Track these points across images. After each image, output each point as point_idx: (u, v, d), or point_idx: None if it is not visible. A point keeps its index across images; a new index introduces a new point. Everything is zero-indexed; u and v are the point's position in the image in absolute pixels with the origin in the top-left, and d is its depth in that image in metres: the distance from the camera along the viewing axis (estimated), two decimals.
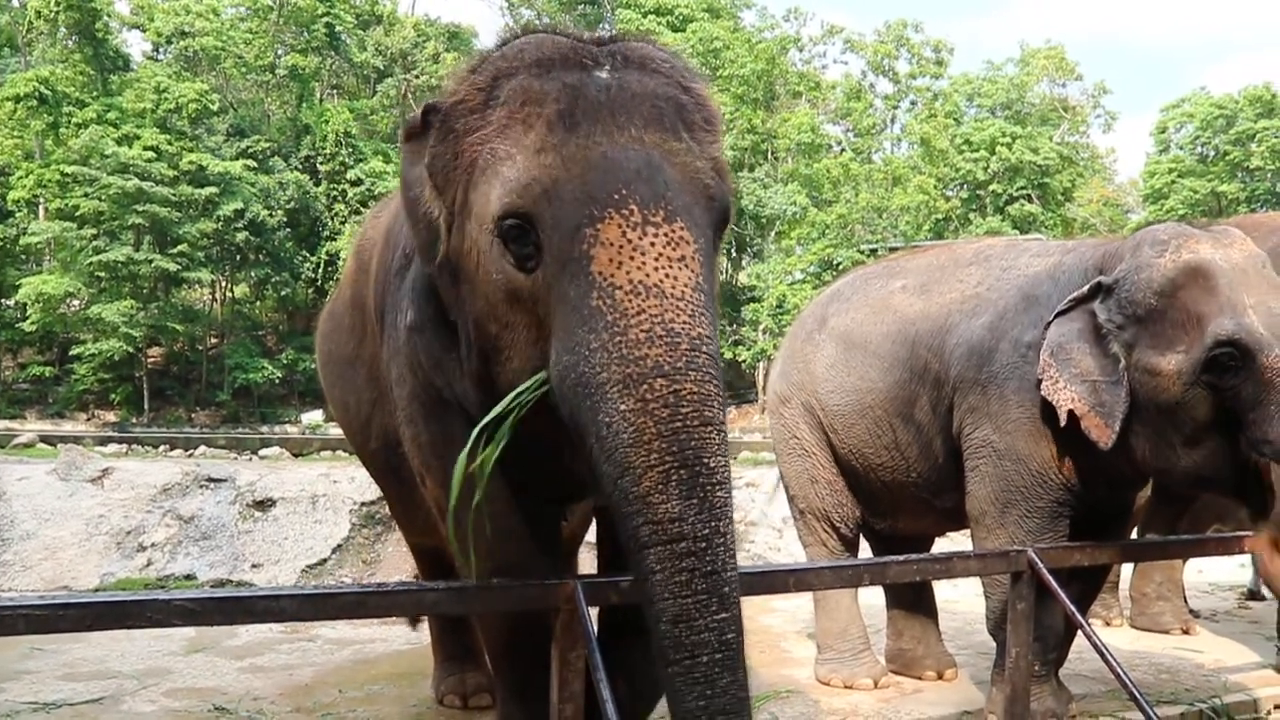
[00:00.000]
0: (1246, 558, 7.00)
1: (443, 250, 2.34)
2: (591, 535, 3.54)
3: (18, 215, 34.15)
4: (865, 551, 5.13)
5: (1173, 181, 40.40)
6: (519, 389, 2.16)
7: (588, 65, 2.22)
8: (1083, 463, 3.76)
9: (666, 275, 1.98)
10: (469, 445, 2.27)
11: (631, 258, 1.98)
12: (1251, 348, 3.36)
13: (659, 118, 2.16)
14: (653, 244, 1.99)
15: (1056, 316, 3.73)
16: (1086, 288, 3.72)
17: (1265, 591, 6.80)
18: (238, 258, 35.84)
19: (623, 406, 1.91)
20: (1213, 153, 41.18)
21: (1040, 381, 3.72)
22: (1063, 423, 3.66)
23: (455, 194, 2.30)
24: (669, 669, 1.93)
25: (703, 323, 1.98)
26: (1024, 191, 39.17)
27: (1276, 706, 4.42)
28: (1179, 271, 3.53)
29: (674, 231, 2.01)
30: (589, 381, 1.96)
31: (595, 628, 2.56)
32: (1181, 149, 42.35)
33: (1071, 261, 3.96)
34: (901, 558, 3.67)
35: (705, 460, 1.91)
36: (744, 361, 35.05)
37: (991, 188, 39.38)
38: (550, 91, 2.16)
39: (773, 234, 38.01)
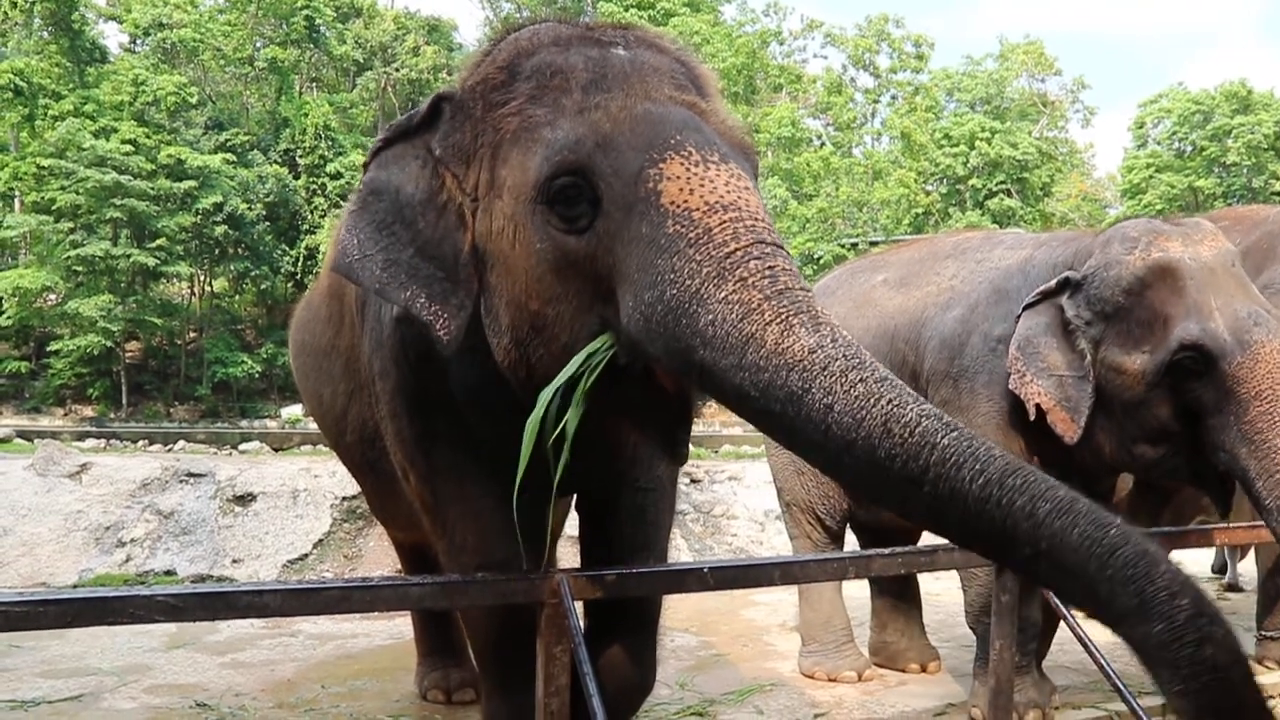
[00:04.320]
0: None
1: (469, 239, 2.27)
2: (572, 529, 3.53)
3: None
4: (852, 544, 5.14)
5: (1150, 176, 40.61)
6: (588, 350, 2.09)
7: (604, 43, 2.24)
8: (1052, 456, 3.76)
9: (739, 196, 1.98)
10: (537, 411, 2.16)
11: (702, 184, 1.97)
12: (1214, 353, 3.36)
13: (682, 85, 2.20)
14: (719, 173, 1.99)
15: (1025, 310, 3.74)
16: (1054, 282, 3.72)
17: (1243, 583, 6.86)
18: (216, 252, 35.62)
19: (723, 294, 1.88)
20: (1190, 148, 41.41)
21: (1009, 375, 3.73)
22: (1031, 417, 3.67)
23: (479, 176, 2.25)
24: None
25: (778, 238, 1.98)
26: (1003, 186, 39.32)
27: None
28: (1147, 270, 3.53)
29: (733, 169, 2.02)
30: (681, 298, 1.91)
31: (581, 622, 2.56)
32: (1159, 144, 42.58)
33: (1042, 256, 3.97)
34: (886, 550, 3.66)
35: (819, 310, 1.88)
36: None
37: (971, 182, 39.52)
38: (576, 63, 2.17)
39: None
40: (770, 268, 1.90)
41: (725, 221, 1.94)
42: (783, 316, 1.85)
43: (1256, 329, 3.37)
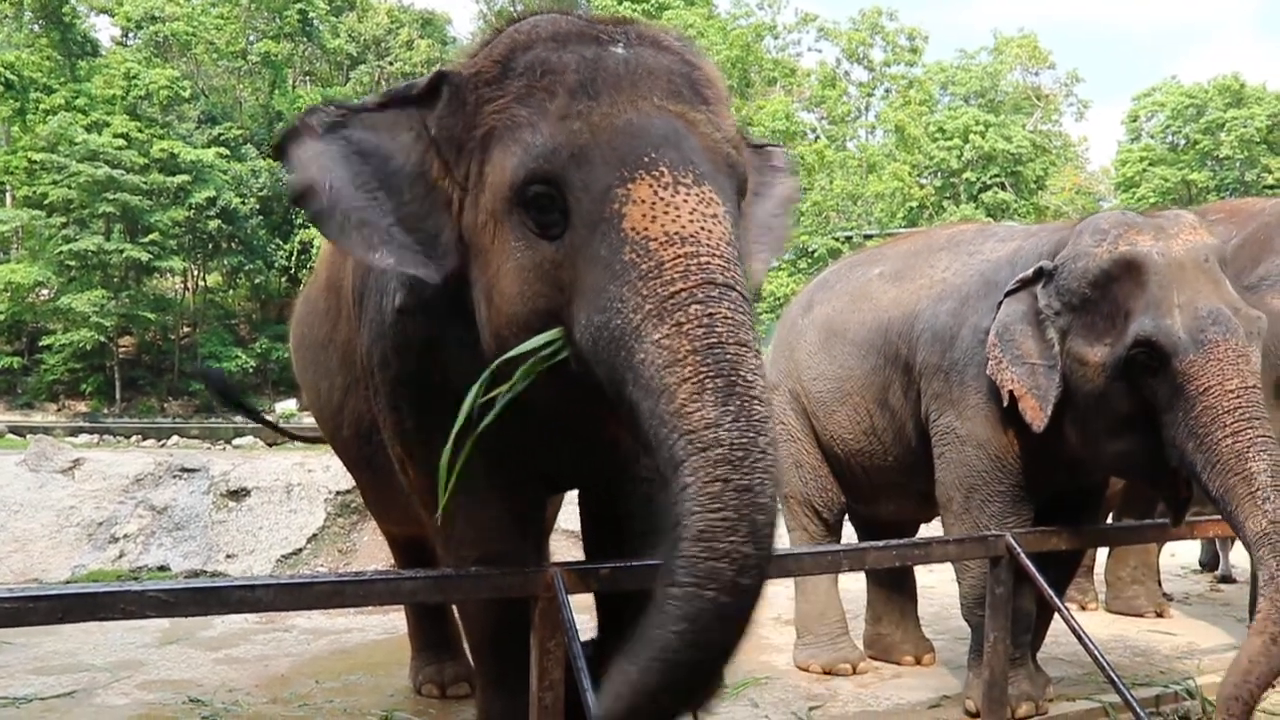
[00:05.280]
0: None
1: (453, 228, 2.29)
2: (570, 525, 3.53)
3: None
4: (850, 537, 5.14)
5: (1144, 170, 40.69)
6: (537, 340, 2.10)
7: (603, 40, 2.19)
8: (1039, 448, 3.77)
9: (701, 228, 1.94)
10: (466, 404, 2.22)
11: (665, 212, 1.94)
12: (1167, 350, 3.36)
13: (677, 90, 2.14)
14: (685, 200, 1.96)
15: (1005, 297, 3.76)
16: (1032, 270, 3.73)
17: (1236, 575, 6.88)
18: (210, 246, 35.57)
19: (656, 335, 1.86)
20: (1183, 141, 41.50)
21: (988, 361, 3.75)
22: (1005, 403, 3.69)
23: (469, 168, 2.25)
24: (670, 590, 1.77)
25: (737, 276, 1.94)
26: (997, 179, 39.35)
27: None
28: (1113, 263, 3.53)
29: (704, 193, 1.98)
30: (623, 330, 1.91)
31: (574, 617, 2.55)
32: (1153, 138, 42.65)
33: (1030, 246, 3.98)
34: (881, 544, 3.67)
35: (742, 374, 1.84)
36: None
37: (965, 175, 39.54)
38: (569, 63, 2.14)
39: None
40: (710, 315, 1.86)
41: (679, 257, 1.91)
42: (700, 377, 1.82)
43: (1213, 327, 3.36)
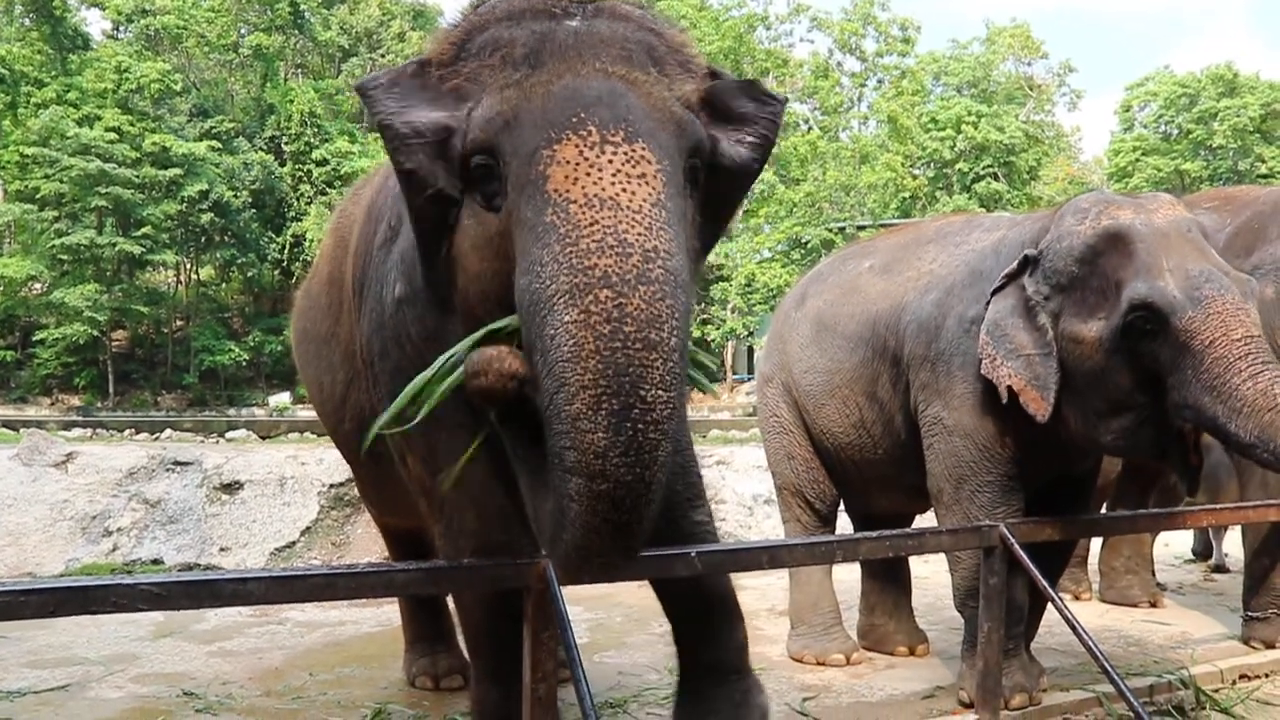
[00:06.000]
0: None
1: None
2: None
3: None
4: (845, 528, 5.15)
5: (1137, 159, 40.75)
6: (491, 326, 2.07)
7: (558, 15, 2.18)
8: (1028, 435, 3.77)
9: (624, 190, 1.89)
10: (431, 370, 2.20)
11: (588, 174, 1.90)
12: (1164, 310, 3.35)
13: (627, 55, 2.11)
14: (610, 161, 1.91)
15: (993, 295, 3.74)
16: (1016, 263, 3.72)
17: (1229, 564, 6.89)
18: (202, 239, 35.47)
19: (566, 318, 1.81)
20: (1176, 131, 41.58)
21: (981, 360, 3.73)
22: (1004, 399, 3.67)
23: None
24: (549, 544, 2.02)
25: (661, 237, 1.88)
26: (990, 170, 39.37)
27: (1242, 676, 4.47)
28: (1098, 238, 3.53)
29: (634, 150, 1.94)
30: (539, 296, 1.86)
31: (567, 608, 2.54)
32: (1146, 127, 42.75)
33: (1014, 235, 3.98)
34: (874, 534, 3.66)
35: (641, 392, 1.79)
36: (713, 340, 35.08)
37: (958, 166, 39.58)
38: (519, 38, 2.13)
39: (740, 212, 38.00)
40: (620, 305, 1.80)
41: (596, 225, 1.85)
42: (598, 390, 1.78)
43: (1207, 284, 3.37)
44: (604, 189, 1.88)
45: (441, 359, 2.17)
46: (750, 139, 2.34)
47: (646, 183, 1.91)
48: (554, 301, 1.83)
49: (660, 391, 1.81)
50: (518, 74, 2.07)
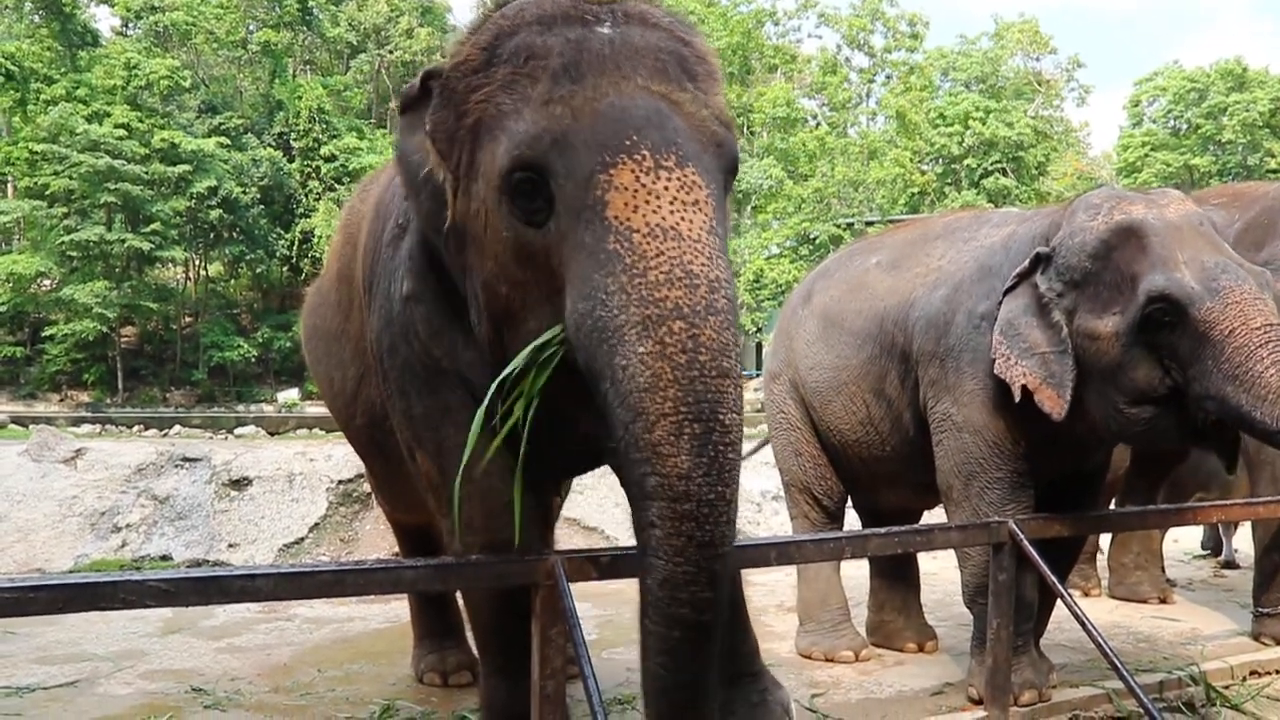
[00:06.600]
0: None
1: (450, 216, 2.31)
2: (570, 512, 3.52)
3: None
4: (854, 524, 5.14)
5: (1146, 155, 40.61)
6: (537, 342, 2.14)
7: (589, 21, 2.19)
8: (1039, 432, 3.74)
9: (682, 218, 1.95)
10: (485, 401, 2.27)
11: (647, 201, 1.95)
12: (1183, 302, 3.33)
13: (663, 69, 2.14)
14: (666, 187, 1.96)
15: (1004, 295, 3.72)
16: (1027, 262, 3.69)
17: (1239, 560, 6.87)
18: (211, 236, 35.60)
19: (641, 349, 1.88)
20: (1185, 126, 41.44)
21: (994, 360, 3.71)
22: (1017, 399, 3.63)
23: (460, 156, 2.27)
24: (646, 623, 1.97)
25: (719, 265, 1.96)
26: (998, 165, 39.27)
27: (1252, 672, 4.46)
28: (1111, 232, 3.51)
29: (686, 176, 1.99)
30: (606, 325, 1.92)
31: (575, 604, 2.54)
32: (1155, 122, 42.59)
33: (1023, 231, 3.95)
34: (883, 530, 3.65)
35: (720, 416, 1.88)
36: None
37: (966, 162, 39.49)
38: (554, 46, 2.14)
39: (749, 208, 38.00)
40: (694, 336, 1.88)
41: (662, 255, 1.92)
42: (679, 417, 1.86)
43: (1224, 275, 3.35)
44: (664, 218, 1.94)
45: (494, 385, 2.24)
46: None
47: (700, 209, 1.98)
48: (624, 332, 1.90)
49: (734, 415, 1.91)
50: (560, 88, 2.08)
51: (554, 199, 2.05)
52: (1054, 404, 3.58)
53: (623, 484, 2.01)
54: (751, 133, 39.52)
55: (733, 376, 1.91)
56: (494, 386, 2.22)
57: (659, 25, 2.24)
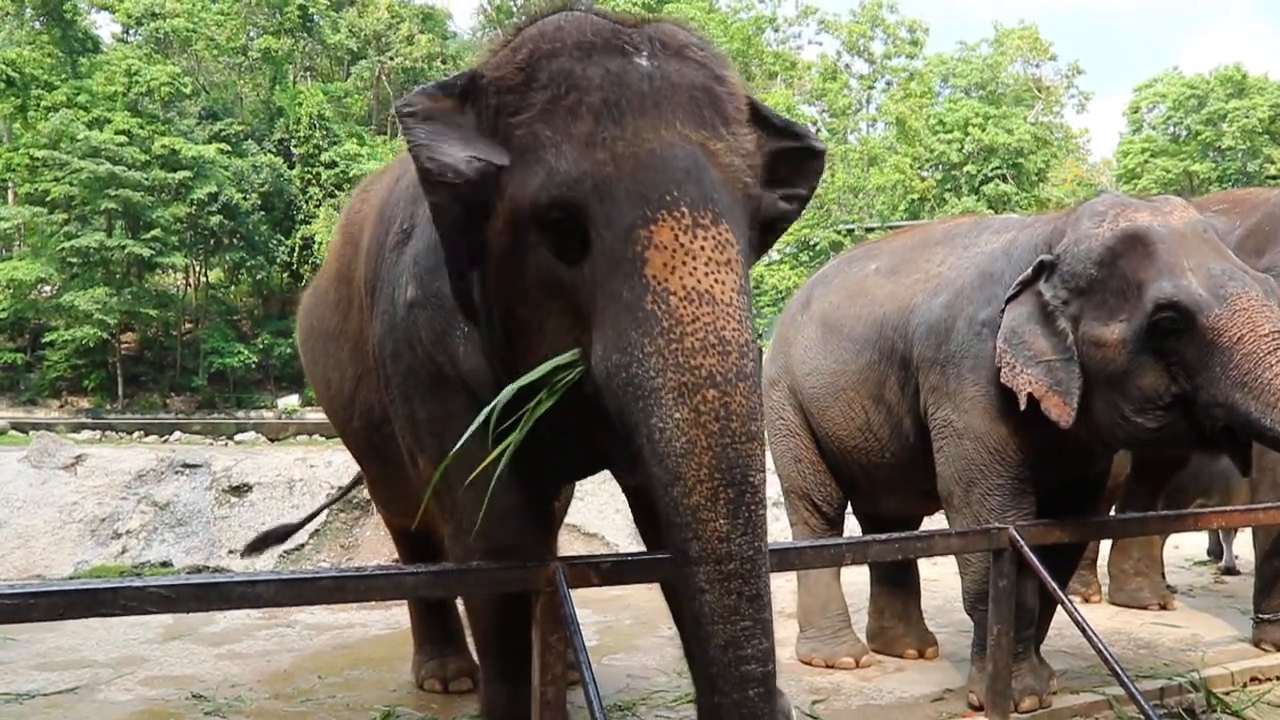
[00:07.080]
0: None
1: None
2: (570, 519, 3.52)
3: None
4: (854, 530, 5.13)
5: (1146, 161, 40.64)
6: (556, 361, 2.16)
7: (628, 51, 2.19)
8: (1040, 438, 3.74)
9: (716, 281, 2.00)
10: (486, 412, 2.28)
11: (684, 263, 1.99)
12: (1191, 309, 3.35)
13: (699, 112, 2.16)
14: (703, 248, 2.00)
15: (1007, 303, 3.72)
16: (1030, 270, 3.70)
17: (1239, 566, 6.87)
18: (211, 242, 35.54)
19: (676, 415, 1.94)
20: (1185, 132, 41.45)
21: (999, 368, 3.71)
22: (1023, 406, 3.63)
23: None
24: (716, 698, 2.00)
25: (747, 327, 2.03)
26: (998, 172, 39.25)
27: (1253, 679, 4.46)
28: (1117, 240, 3.52)
29: (721, 234, 2.03)
30: (642, 384, 1.97)
31: (576, 611, 2.54)
32: (1154, 129, 42.63)
33: (1025, 238, 3.96)
34: (883, 536, 3.65)
35: (750, 478, 1.96)
36: None
37: (966, 168, 39.46)
38: (594, 79, 2.14)
39: None
40: (726, 404, 1.95)
41: (698, 321, 1.97)
42: (714, 483, 1.93)
43: (1231, 283, 3.37)
44: (699, 280, 1.99)
45: (508, 389, 2.25)
46: (798, 196, 2.55)
47: (731, 269, 2.03)
48: (660, 395, 1.96)
49: (761, 474, 1.99)
50: (602, 130, 2.09)
51: (590, 243, 2.07)
52: (1061, 412, 3.58)
53: (667, 543, 2.05)
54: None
55: (759, 439, 1.99)
56: (511, 390, 2.23)
57: (694, 59, 2.24)
